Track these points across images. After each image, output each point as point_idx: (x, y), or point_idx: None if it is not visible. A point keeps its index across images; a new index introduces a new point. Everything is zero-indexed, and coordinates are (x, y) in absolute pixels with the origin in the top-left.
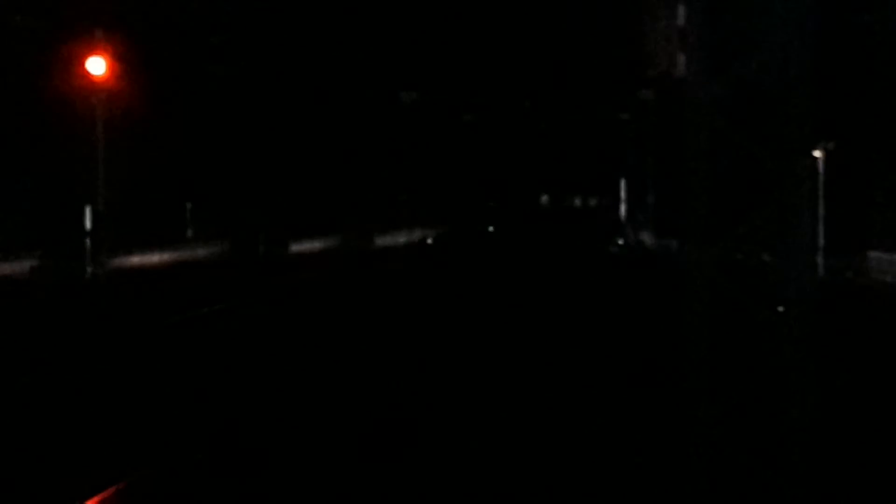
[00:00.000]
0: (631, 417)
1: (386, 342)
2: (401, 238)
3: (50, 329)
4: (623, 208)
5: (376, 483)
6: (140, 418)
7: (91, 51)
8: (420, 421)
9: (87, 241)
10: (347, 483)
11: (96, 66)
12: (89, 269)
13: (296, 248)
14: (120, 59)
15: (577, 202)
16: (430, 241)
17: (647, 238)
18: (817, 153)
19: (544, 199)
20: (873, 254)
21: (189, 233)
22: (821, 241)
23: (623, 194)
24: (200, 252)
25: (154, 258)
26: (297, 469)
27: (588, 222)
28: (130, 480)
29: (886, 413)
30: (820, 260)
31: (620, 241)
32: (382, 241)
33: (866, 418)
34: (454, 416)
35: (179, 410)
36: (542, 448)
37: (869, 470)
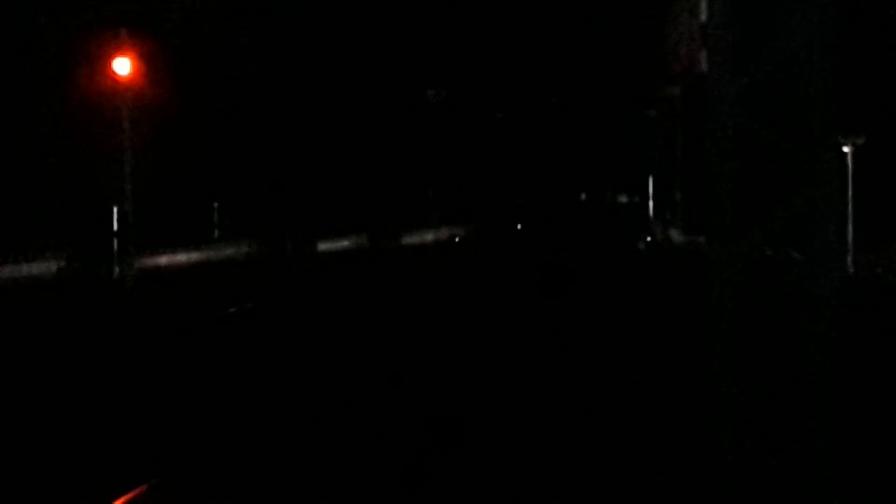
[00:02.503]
0: (652, 413)
1: (415, 340)
2: (429, 236)
3: (76, 330)
4: (651, 205)
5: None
6: (165, 417)
7: (117, 51)
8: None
9: (114, 241)
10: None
11: (122, 66)
12: (116, 270)
13: (323, 247)
14: (146, 59)
15: (605, 199)
16: (458, 239)
17: (675, 235)
18: (846, 148)
19: (582, 196)
20: None
21: (216, 233)
22: (850, 237)
23: (651, 191)
24: (228, 252)
25: (181, 258)
26: (323, 463)
27: (616, 219)
28: (157, 480)
29: None
30: (849, 256)
31: (648, 239)
32: (410, 239)
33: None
34: (485, 418)
35: (204, 408)
36: (559, 448)
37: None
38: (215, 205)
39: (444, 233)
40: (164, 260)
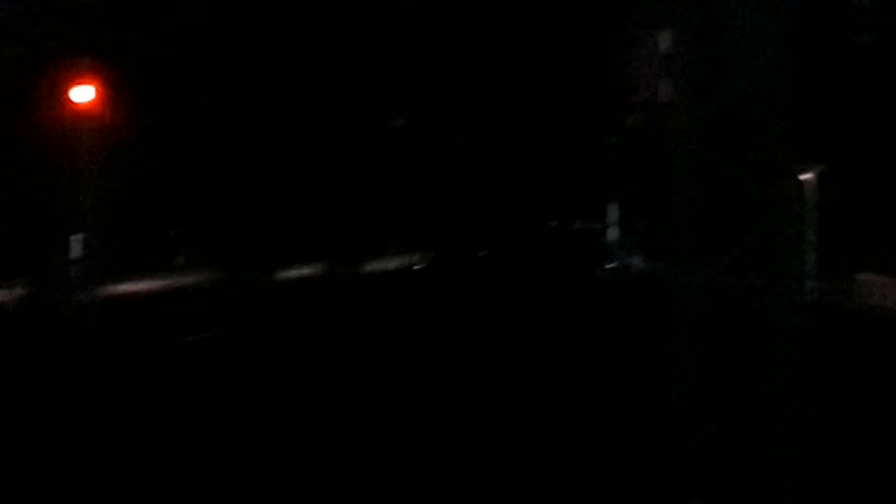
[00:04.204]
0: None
1: (366, 370)
2: (391, 264)
3: (35, 358)
4: (612, 232)
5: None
6: (122, 450)
7: (76, 79)
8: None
9: (73, 269)
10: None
11: (81, 94)
12: (75, 298)
13: (283, 274)
14: (105, 86)
15: (566, 226)
16: (416, 267)
17: (636, 262)
18: (805, 176)
19: (552, 223)
20: (862, 276)
21: (177, 260)
22: (810, 265)
23: (613, 218)
24: (188, 279)
25: (141, 286)
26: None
27: (575, 247)
28: None
29: (873, 438)
30: (809, 283)
31: (609, 266)
32: (372, 266)
33: (853, 443)
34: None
35: (164, 439)
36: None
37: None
38: (176, 232)
39: (405, 260)
40: (123, 288)
